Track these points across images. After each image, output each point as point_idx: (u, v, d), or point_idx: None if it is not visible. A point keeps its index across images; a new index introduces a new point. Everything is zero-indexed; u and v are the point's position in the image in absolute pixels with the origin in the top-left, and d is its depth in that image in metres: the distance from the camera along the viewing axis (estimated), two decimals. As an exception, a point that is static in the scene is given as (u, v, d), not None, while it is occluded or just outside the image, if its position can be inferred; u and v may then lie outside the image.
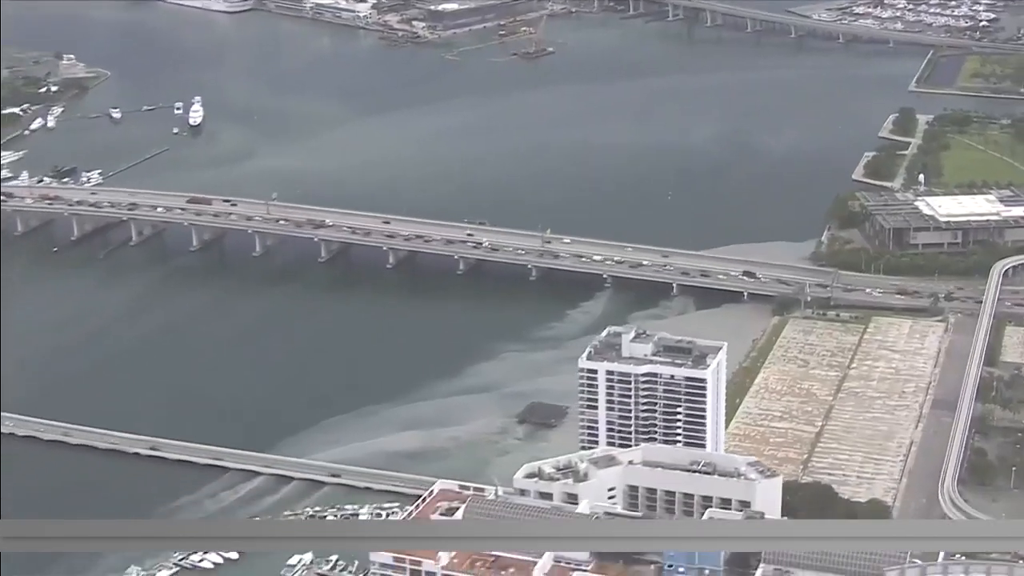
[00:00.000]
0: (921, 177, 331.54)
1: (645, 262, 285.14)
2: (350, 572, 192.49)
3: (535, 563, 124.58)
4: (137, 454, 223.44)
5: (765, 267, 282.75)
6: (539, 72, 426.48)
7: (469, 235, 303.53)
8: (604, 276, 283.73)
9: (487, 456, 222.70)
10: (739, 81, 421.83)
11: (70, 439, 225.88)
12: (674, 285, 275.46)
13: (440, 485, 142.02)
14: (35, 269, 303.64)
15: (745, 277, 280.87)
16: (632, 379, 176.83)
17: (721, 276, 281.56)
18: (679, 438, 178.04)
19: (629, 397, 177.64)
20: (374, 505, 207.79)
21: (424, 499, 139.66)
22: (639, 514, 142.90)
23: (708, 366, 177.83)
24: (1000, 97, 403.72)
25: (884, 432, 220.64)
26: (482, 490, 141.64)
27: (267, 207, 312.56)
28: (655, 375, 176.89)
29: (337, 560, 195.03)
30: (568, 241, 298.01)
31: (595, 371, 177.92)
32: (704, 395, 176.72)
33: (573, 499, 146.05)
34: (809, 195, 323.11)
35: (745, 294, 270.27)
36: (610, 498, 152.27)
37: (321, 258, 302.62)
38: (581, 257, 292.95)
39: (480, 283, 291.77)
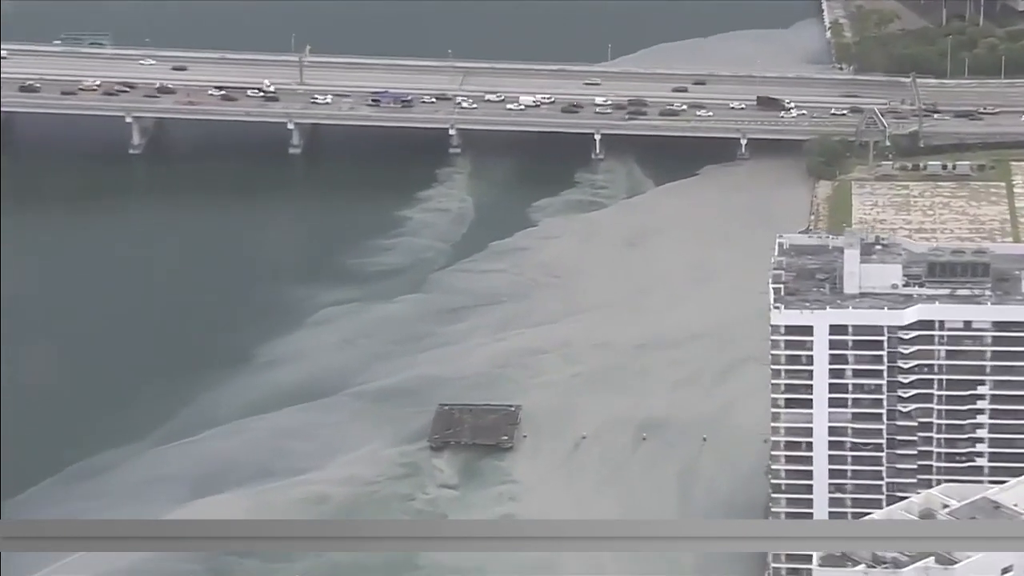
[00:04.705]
0: None
1: (522, 96, 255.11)
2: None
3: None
4: None
5: (760, 84, 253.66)
6: None
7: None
8: (448, 131, 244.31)
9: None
10: None
11: None
12: (595, 137, 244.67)
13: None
14: None
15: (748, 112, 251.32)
16: (885, 336, 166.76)
17: (703, 112, 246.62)
18: (982, 446, 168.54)
19: (880, 374, 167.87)
20: None
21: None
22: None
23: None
24: None
25: None
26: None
27: None
28: (931, 324, 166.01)
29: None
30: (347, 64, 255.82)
31: (807, 328, 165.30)
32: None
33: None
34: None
35: (742, 142, 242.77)
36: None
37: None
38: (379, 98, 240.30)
39: (171, 162, 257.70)
